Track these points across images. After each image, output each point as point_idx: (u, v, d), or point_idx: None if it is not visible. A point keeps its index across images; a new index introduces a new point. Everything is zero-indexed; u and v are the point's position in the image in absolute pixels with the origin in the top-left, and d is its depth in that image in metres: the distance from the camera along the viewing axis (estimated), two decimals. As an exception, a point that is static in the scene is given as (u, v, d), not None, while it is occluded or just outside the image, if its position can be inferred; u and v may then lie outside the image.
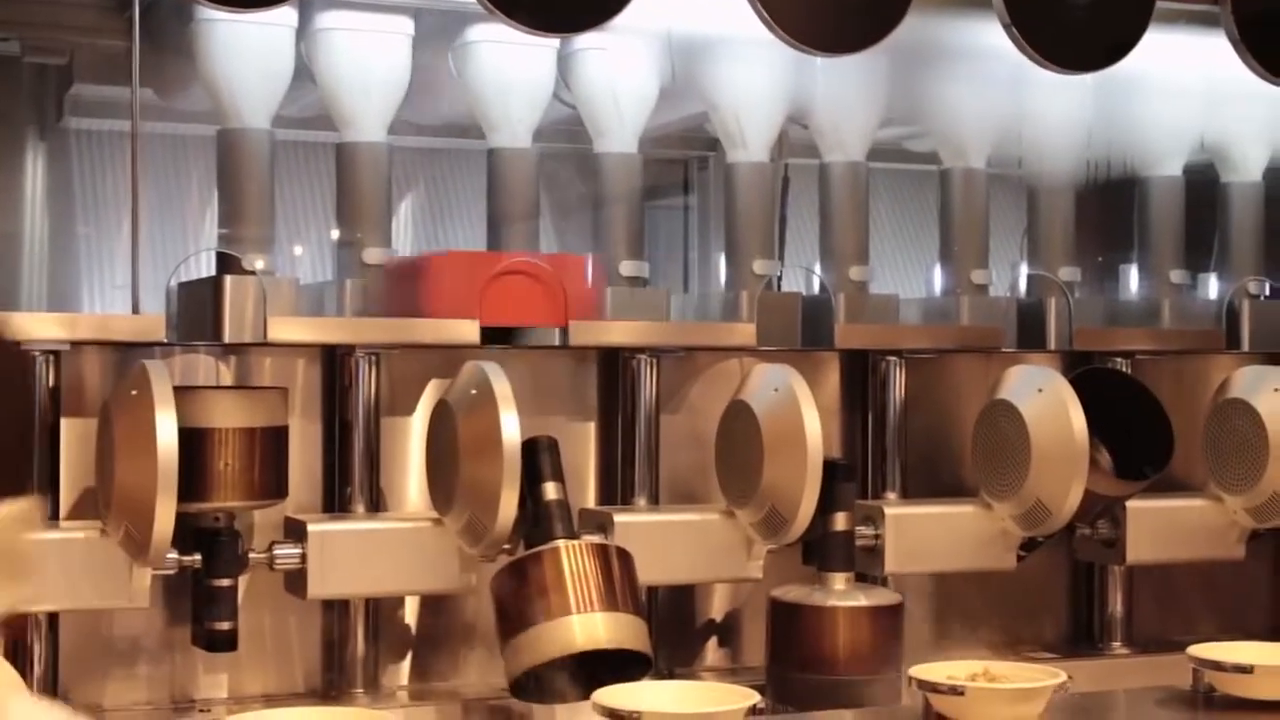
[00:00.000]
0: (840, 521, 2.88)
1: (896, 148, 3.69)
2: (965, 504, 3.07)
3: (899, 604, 2.87)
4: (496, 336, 2.89)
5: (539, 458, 2.67)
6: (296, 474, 2.86)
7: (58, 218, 3.73)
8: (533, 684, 2.59)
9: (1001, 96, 3.35)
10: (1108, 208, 3.69)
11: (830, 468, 2.85)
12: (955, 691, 2.48)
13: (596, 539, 2.73)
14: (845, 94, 3.26)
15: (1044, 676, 2.55)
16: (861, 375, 3.24)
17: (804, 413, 2.77)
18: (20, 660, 2.64)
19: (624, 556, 2.66)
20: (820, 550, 2.87)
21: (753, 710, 2.36)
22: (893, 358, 3.19)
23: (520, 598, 2.58)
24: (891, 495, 3.19)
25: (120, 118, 3.39)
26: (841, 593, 2.86)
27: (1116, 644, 3.38)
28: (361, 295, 2.94)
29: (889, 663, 2.80)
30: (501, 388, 2.63)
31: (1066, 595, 3.41)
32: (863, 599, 2.86)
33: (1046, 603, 3.38)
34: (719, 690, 2.49)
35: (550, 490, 2.68)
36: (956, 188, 3.39)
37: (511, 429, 2.59)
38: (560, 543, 2.62)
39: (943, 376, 3.32)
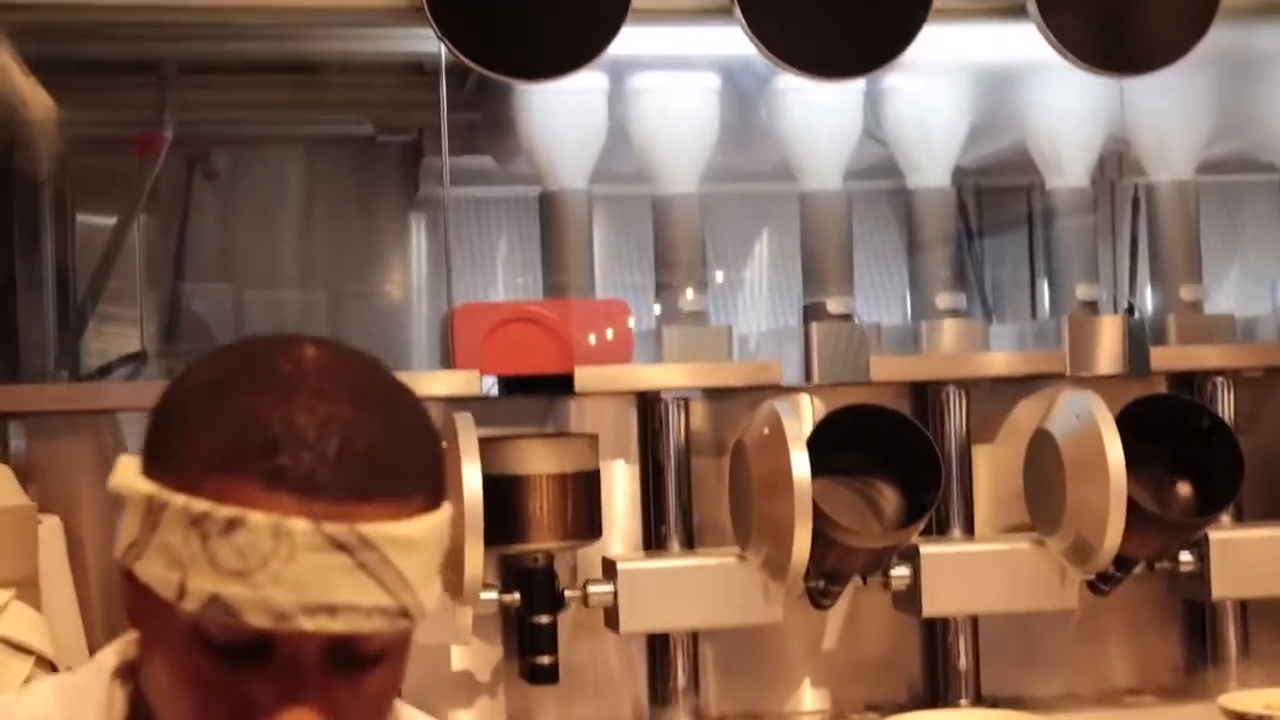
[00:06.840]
0: None
1: (1239, 158, 3.57)
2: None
3: None
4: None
5: None
6: (625, 514, 3.01)
7: (432, 281, 3.98)
8: None
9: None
10: None
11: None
12: (1260, 721, 2.42)
13: None
14: (1166, 112, 3.17)
15: (1359, 706, 2.46)
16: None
17: (1105, 439, 2.73)
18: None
19: None
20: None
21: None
22: (1219, 378, 3.10)
23: None
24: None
25: (470, 184, 3.65)
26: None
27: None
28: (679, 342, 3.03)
29: None
30: (793, 427, 2.69)
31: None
32: None
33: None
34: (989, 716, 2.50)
35: None
36: (1297, 197, 3.28)
37: (802, 467, 2.66)
38: None
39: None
